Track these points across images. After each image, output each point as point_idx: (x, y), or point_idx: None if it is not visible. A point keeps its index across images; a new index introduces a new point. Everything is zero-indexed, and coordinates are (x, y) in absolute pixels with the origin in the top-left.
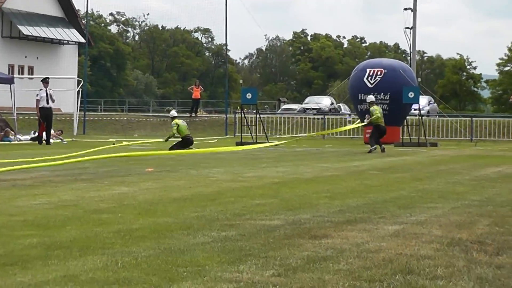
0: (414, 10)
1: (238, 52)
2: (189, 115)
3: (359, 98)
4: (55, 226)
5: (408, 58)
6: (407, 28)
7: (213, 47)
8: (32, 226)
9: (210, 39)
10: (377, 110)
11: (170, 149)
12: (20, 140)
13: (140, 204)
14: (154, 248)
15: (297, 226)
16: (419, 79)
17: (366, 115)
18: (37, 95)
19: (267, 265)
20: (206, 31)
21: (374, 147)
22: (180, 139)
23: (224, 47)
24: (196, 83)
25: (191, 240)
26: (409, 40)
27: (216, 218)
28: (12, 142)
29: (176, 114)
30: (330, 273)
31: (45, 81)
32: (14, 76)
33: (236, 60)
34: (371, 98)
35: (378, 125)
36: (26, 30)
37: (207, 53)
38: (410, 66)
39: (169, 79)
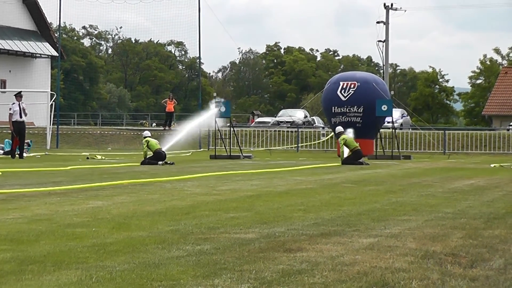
0: (386, 23)
1: (211, 65)
2: (163, 128)
3: (333, 111)
4: (29, 241)
5: (381, 71)
6: (380, 41)
7: (186, 60)
8: (5, 241)
9: (183, 52)
10: (349, 139)
11: (142, 163)
12: None
13: (114, 218)
14: (129, 262)
15: (271, 239)
16: (392, 92)
17: (344, 147)
18: (10, 109)
19: (242, 279)
20: (179, 44)
21: (361, 161)
22: (152, 154)
23: (198, 60)
24: (169, 96)
25: (166, 254)
26: (382, 53)
27: (190, 231)
28: None
29: (149, 135)
30: (305, 286)
31: (18, 95)
32: None
33: (209, 73)
34: (339, 129)
35: (357, 150)
36: None
37: (180, 66)
38: (383, 79)
39: (142, 92)
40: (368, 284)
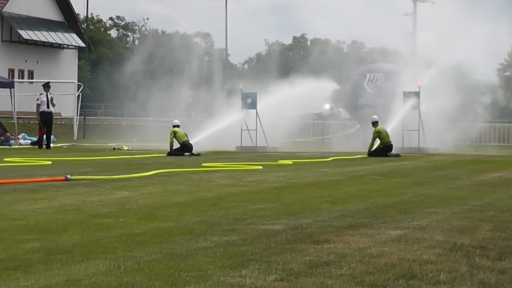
0: (414, 15)
1: (238, 56)
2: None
3: (359, 102)
4: (57, 231)
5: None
6: (407, 33)
7: (212, 51)
8: (34, 231)
9: (210, 44)
10: (384, 132)
11: (168, 154)
12: (21, 145)
13: (142, 209)
14: (157, 252)
15: (298, 231)
16: (420, 84)
17: (376, 138)
18: (38, 99)
19: (270, 270)
20: (206, 35)
21: (395, 154)
22: (179, 146)
23: (224, 51)
24: (190, 89)
25: (193, 245)
26: (409, 45)
27: (217, 222)
28: (12, 147)
29: (178, 123)
30: (332, 278)
31: (47, 85)
32: (14, 80)
33: (236, 65)
34: (375, 118)
35: (389, 145)
36: (26, 34)
37: (207, 58)
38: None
39: (169, 83)
40: (395, 276)
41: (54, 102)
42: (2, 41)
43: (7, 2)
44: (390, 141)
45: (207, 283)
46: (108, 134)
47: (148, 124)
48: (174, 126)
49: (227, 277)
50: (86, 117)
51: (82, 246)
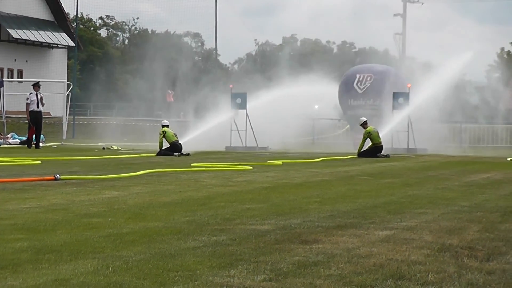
0: (403, 16)
1: (228, 57)
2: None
3: (349, 103)
4: (45, 230)
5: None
6: (397, 34)
7: (202, 51)
8: (22, 230)
9: (199, 44)
10: (375, 134)
11: (158, 154)
12: (10, 144)
13: (130, 208)
14: (145, 252)
15: (287, 231)
16: (409, 85)
17: (367, 139)
18: (27, 98)
19: (258, 270)
20: (196, 35)
21: (386, 155)
22: (168, 145)
23: (214, 51)
24: (169, 90)
25: (182, 245)
26: (399, 45)
27: (206, 222)
28: (1, 146)
29: (167, 123)
30: (321, 278)
31: (36, 85)
32: (4, 79)
33: (225, 65)
34: (363, 119)
35: (379, 146)
36: (16, 33)
37: (196, 58)
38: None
39: (158, 84)
40: (384, 276)
41: (44, 101)
42: None
43: None
44: (380, 142)
45: (196, 282)
46: (98, 133)
47: (137, 123)
48: (163, 126)
49: (215, 277)
50: (76, 117)
51: (70, 245)
